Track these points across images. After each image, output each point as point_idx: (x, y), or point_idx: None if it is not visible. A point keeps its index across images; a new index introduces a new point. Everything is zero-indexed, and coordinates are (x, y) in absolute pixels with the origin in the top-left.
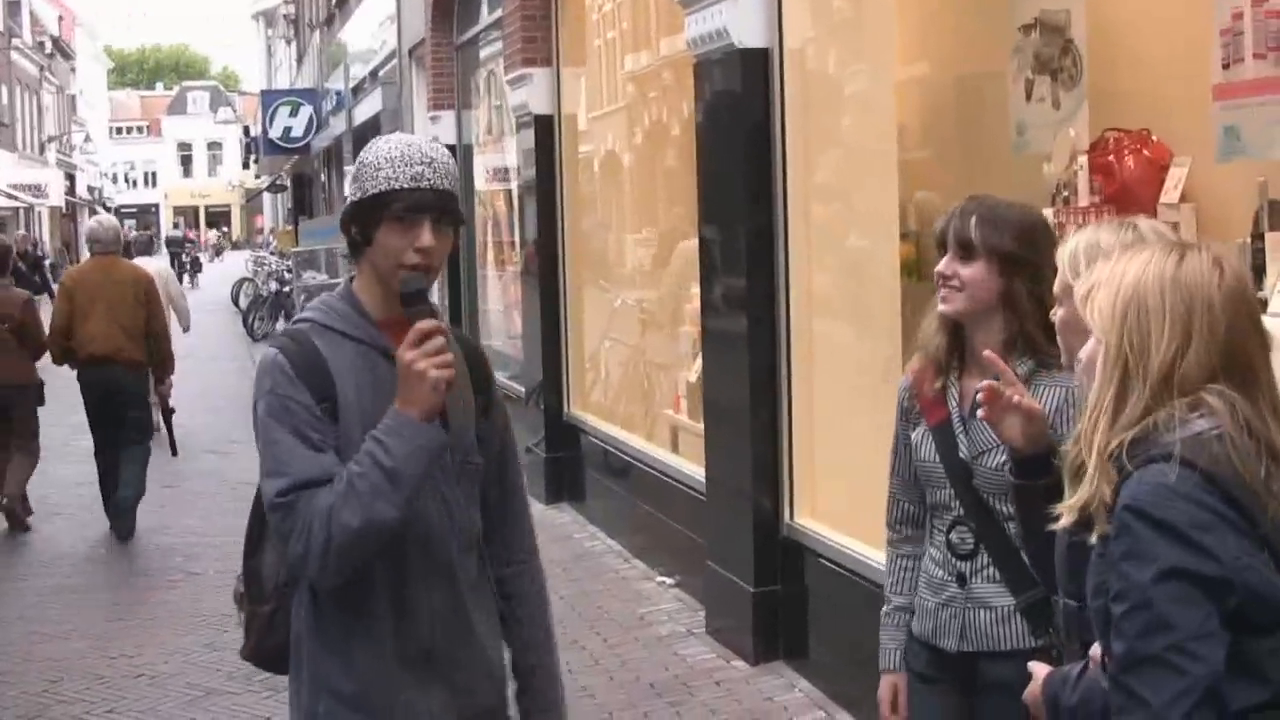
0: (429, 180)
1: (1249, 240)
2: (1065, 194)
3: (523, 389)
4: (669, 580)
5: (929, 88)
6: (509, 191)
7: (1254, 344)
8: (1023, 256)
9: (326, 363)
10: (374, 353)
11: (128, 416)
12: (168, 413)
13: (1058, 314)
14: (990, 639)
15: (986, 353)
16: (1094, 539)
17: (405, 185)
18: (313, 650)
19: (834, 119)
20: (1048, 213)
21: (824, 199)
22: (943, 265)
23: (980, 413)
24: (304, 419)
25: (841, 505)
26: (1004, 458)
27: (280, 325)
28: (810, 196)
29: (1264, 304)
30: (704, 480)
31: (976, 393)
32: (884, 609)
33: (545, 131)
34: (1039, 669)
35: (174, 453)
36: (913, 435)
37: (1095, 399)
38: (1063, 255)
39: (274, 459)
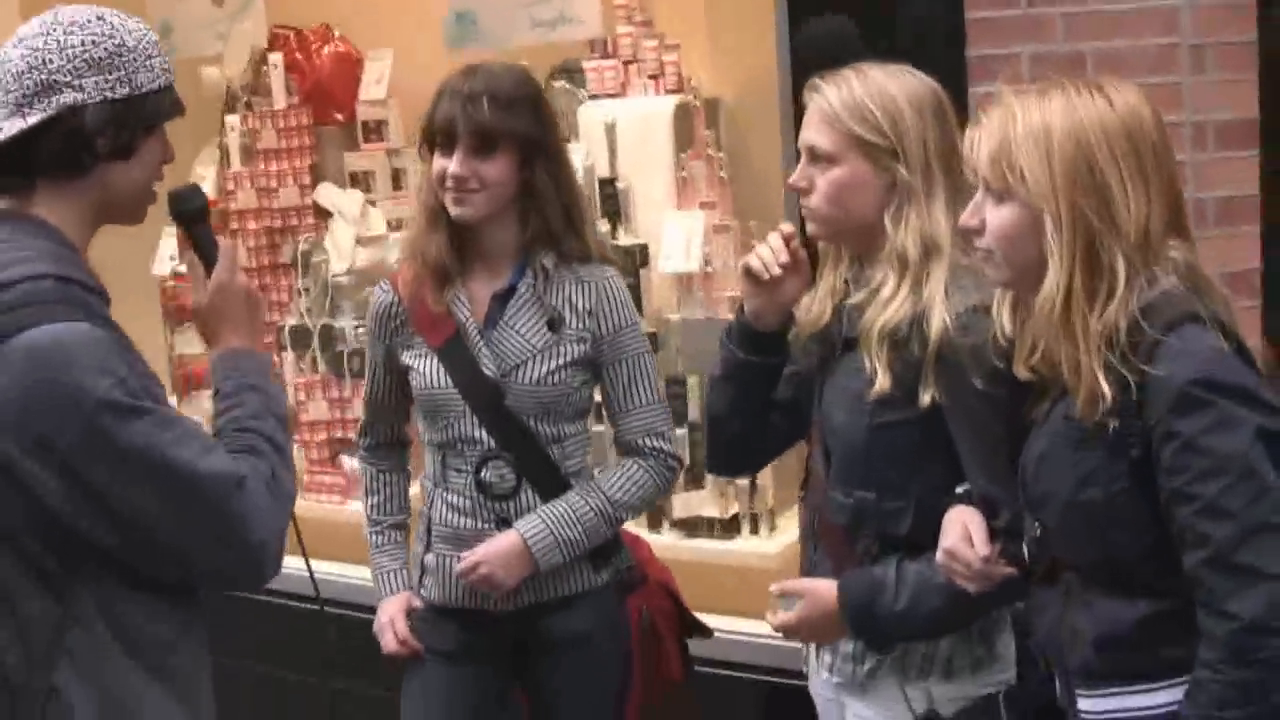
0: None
1: None
2: (248, 98)
3: None
4: None
5: None
6: None
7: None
8: (543, 137)
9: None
10: (102, 302)
11: None
12: None
13: (837, 174)
14: (553, 585)
15: None
16: (1069, 423)
17: (171, 81)
18: None
19: None
20: (233, 120)
21: None
22: (457, 165)
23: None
24: (161, 394)
25: None
26: (545, 368)
27: None
28: None
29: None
30: None
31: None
32: (371, 533)
33: None
34: (811, 585)
35: None
36: (405, 359)
37: (1058, 281)
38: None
39: (194, 436)
